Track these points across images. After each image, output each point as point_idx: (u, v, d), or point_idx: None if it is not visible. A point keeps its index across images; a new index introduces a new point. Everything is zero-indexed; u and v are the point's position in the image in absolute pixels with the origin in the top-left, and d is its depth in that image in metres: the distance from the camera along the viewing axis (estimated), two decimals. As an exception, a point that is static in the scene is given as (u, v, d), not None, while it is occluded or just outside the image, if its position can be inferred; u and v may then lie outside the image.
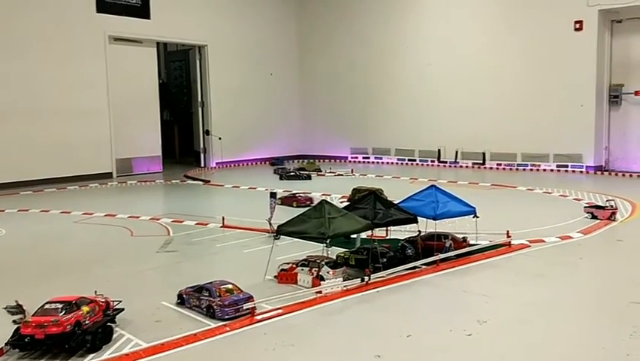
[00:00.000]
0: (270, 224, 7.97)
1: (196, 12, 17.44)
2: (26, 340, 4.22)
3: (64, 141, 14.74)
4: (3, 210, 10.88)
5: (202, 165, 18.44)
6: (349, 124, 19.44)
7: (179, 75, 20.67)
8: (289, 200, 10.65)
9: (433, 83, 17.57)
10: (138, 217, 9.92)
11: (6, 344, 4.32)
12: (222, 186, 13.98)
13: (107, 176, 15.59)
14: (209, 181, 14.76)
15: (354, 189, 10.30)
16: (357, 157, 19.28)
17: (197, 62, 18.35)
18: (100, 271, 6.78)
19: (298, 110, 20.70)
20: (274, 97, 19.85)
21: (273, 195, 8.30)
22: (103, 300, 4.80)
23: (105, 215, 10.21)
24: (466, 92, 16.87)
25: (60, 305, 4.40)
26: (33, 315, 4.38)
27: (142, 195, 13.24)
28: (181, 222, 9.42)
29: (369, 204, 6.43)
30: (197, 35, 17.68)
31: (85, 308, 4.49)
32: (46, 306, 4.43)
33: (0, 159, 13.64)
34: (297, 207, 10.10)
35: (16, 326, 4.45)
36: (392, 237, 7.58)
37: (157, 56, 17.53)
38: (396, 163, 18.23)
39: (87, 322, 4.43)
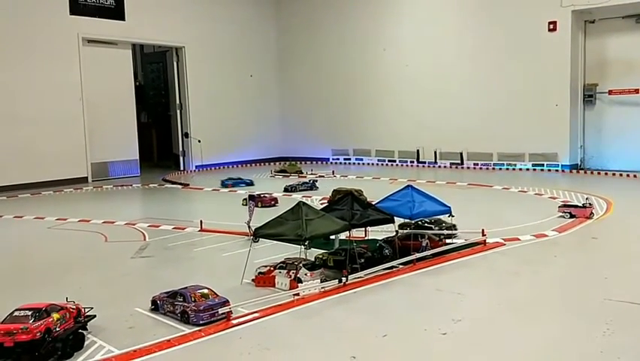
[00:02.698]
0: (249, 227, 7.90)
1: (172, 13, 17.28)
2: (-5, 348, 4.11)
3: (39, 145, 14.50)
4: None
5: (181, 168, 18.27)
6: (330, 126, 19.45)
7: (157, 77, 20.45)
8: (255, 200, 10.56)
9: (412, 85, 17.67)
10: (113, 222, 9.76)
11: (-27, 354, 4.20)
12: (202, 189, 13.87)
13: (83, 180, 15.36)
14: (188, 185, 14.61)
15: (334, 191, 10.28)
16: (338, 158, 19.29)
17: (175, 63, 18.19)
18: (73, 278, 6.64)
19: (279, 112, 20.65)
20: (254, 99, 19.78)
21: (252, 197, 8.25)
22: (74, 307, 4.70)
23: (79, 220, 10.03)
24: (444, 93, 17.00)
25: (30, 312, 4.29)
26: (2, 322, 4.27)
27: (118, 200, 13.05)
28: (158, 226, 9.29)
29: (346, 205, 6.42)
30: (174, 37, 17.52)
31: (55, 315, 4.38)
32: (16, 313, 4.33)
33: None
34: (262, 207, 9.97)
35: (-17, 335, 4.30)
36: (370, 237, 7.58)
37: (133, 57, 17.33)
38: (377, 164, 18.29)
39: (58, 329, 4.33)
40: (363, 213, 6.43)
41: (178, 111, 18.48)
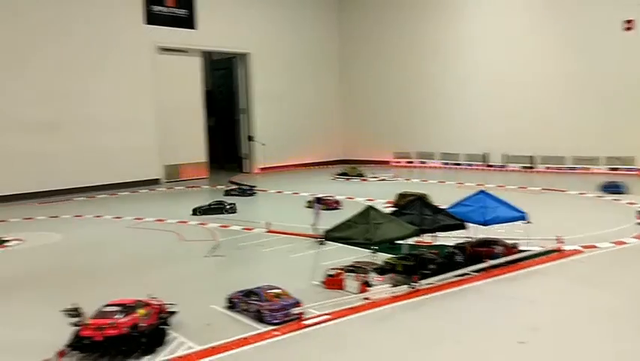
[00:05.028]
0: (315, 230, 8.02)
1: (239, 22, 17.77)
2: (86, 342, 4.37)
3: (115, 148, 15.23)
4: (58, 216, 11.30)
5: (245, 170, 18.71)
6: (392, 128, 19.36)
7: (223, 83, 21.00)
8: (320, 203, 10.67)
9: (479, 86, 17.33)
10: (186, 222, 10.14)
11: (67, 346, 4.49)
12: (266, 191, 14.14)
13: (155, 182, 16.00)
14: (253, 186, 14.91)
15: (399, 194, 10.24)
16: (400, 161, 19.16)
17: (240, 69, 18.67)
18: (152, 275, 6.98)
19: (339, 115, 20.76)
20: (314, 102, 20.01)
21: (318, 200, 8.36)
22: (157, 303, 4.93)
23: (155, 220, 10.48)
24: (514, 94, 16.57)
25: (117, 308, 4.55)
26: (92, 318, 4.53)
27: (189, 201, 13.46)
28: (227, 227, 9.57)
29: (416, 209, 6.39)
30: (241, 44, 18.02)
31: (140, 311, 4.62)
32: (104, 309, 4.59)
33: (56, 167, 14.18)
34: (325, 210, 9.95)
35: (76, 328, 4.59)
36: (439, 243, 7.49)
37: (202, 64, 17.88)
38: (441, 167, 18.02)
39: (143, 324, 4.55)
40: (434, 219, 6.37)
41: (243, 116, 18.95)
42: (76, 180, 14.39)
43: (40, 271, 7.47)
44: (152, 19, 15.82)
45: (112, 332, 4.36)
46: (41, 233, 9.71)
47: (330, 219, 7.96)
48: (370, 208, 6.16)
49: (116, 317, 4.46)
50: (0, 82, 13.39)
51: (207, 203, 11.07)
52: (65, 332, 4.86)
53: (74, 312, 5.42)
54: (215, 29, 17.11)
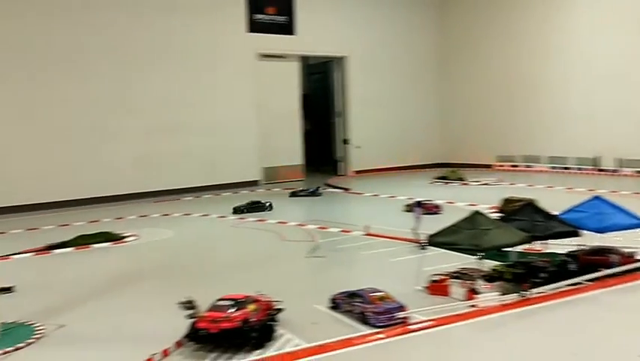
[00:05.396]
0: (416, 234, 7.93)
1: (337, 25, 17.98)
2: (202, 333, 4.61)
3: (219, 151, 15.95)
4: (169, 214, 12.01)
5: (340, 173, 18.87)
6: (494, 130, 18.71)
7: (319, 86, 21.33)
8: (420, 207, 10.53)
9: (588, 85, 16.32)
10: (286, 223, 10.40)
11: (184, 337, 4.76)
12: (362, 194, 14.17)
13: (255, 183, 16.55)
14: (349, 189, 15.02)
15: (504, 199, 9.88)
16: (503, 165, 18.45)
17: (337, 73, 18.88)
18: (256, 273, 7.23)
19: (438, 117, 20.35)
20: (412, 104, 19.77)
21: (418, 204, 8.26)
22: (265, 299, 5.09)
23: (256, 220, 10.85)
24: (626, 93, 15.43)
25: (230, 302, 4.75)
26: (207, 310, 4.77)
27: (286, 202, 13.84)
28: (325, 228, 9.70)
29: (526, 215, 6.13)
30: (338, 48, 18.23)
31: (251, 306, 4.80)
32: (218, 303, 4.81)
33: (167, 169, 15.10)
34: (424, 214, 9.61)
35: (191, 320, 4.85)
36: (550, 251, 7.13)
37: (300, 69, 18.26)
38: (548, 171, 17.13)
39: (253, 319, 4.72)
40: (546, 225, 6.09)
41: (338, 119, 19.14)
42: (184, 181, 15.22)
43: (155, 266, 7.98)
44: (254, 27, 16.41)
45: (226, 325, 4.55)
46: (155, 230, 10.36)
47: (430, 224, 7.85)
48: (478, 213, 5.99)
49: (229, 311, 4.65)
50: (121, 91, 14.43)
51: (245, 202, 11.92)
52: (180, 323, 5.15)
53: (189, 305, 5.74)
54: (313, 34, 17.44)
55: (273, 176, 17.22)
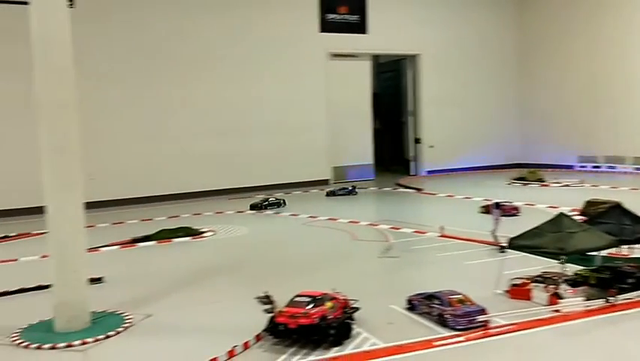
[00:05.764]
0: (495, 236, 7.73)
1: (410, 23, 17.74)
2: (281, 328, 4.70)
3: (290, 150, 16.17)
4: (244, 211, 12.32)
5: (412, 173, 18.64)
6: (575, 130, 17.84)
7: (390, 85, 21.16)
8: (499, 209, 10.26)
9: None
10: (357, 222, 10.41)
11: (263, 331, 4.88)
12: (435, 194, 13.93)
13: (325, 183, 16.66)
14: (421, 189, 14.82)
15: (587, 202, 9.43)
16: (585, 166, 17.56)
17: (409, 71, 18.66)
18: (330, 271, 7.29)
19: (516, 116, 19.65)
20: (488, 103, 19.20)
21: (496, 205, 8.04)
22: (342, 298, 5.13)
23: (327, 219, 10.93)
24: None
25: (308, 299, 4.83)
26: (285, 306, 4.86)
27: (357, 201, 13.85)
28: (398, 229, 9.63)
29: (613, 218, 5.84)
30: (411, 46, 18.00)
31: (328, 304, 4.85)
32: (296, 299, 4.90)
33: (239, 167, 15.49)
34: (502, 216, 9.47)
35: (270, 315, 4.97)
36: (637, 255, 6.74)
37: (371, 68, 18.18)
38: (634, 173, 16.14)
39: (330, 317, 4.77)
40: (634, 229, 5.77)
41: (410, 118, 18.91)
42: (256, 179, 15.55)
43: (232, 261, 8.21)
44: (326, 27, 16.53)
45: (304, 321, 4.63)
46: (230, 226, 10.65)
47: (508, 226, 7.65)
48: (563, 215, 5.77)
49: (307, 307, 4.72)
50: (193, 91, 14.95)
51: (260, 200, 12.59)
52: (258, 317, 5.29)
53: (266, 299, 5.90)
54: (384, 33, 17.33)
55: (342, 175, 17.26)
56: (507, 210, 10.08)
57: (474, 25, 18.79)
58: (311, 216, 11.26)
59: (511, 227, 7.50)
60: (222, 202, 13.82)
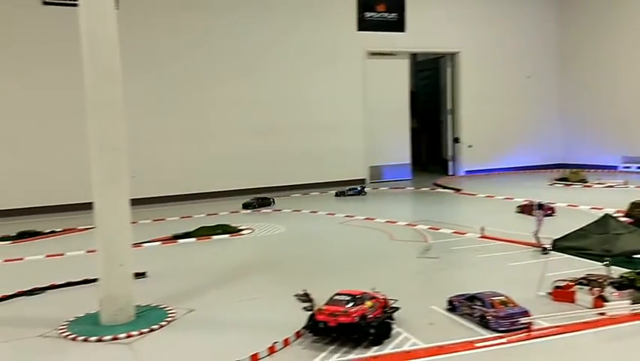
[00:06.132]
0: (537, 238, 7.58)
1: (449, 20, 17.53)
2: (320, 326, 4.72)
3: (327, 149, 16.21)
4: (281, 210, 12.42)
5: (450, 173, 18.42)
6: (620, 130, 17.28)
7: (428, 84, 20.96)
8: (529, 208, 10.34)
9: None
10: (395, 222, 10.35)
11: (303, 328, 4.91)
12: (474, 195, 13.72)
13: (361, 182, 16.58)
14: (460, 190, 14.63)
15: (632, 203, 9.12)
16: (629, 167, 17.01)
17: (448, 69, 18.44)
18: (368, 270, 7.27)
19: (557, 116, 19.19)
20: (529, 102, 18.80)
21: (540, 206, 7.88)
22: (382, 297, 5.12)
23: (364, 218, 10.90)
24: None
25: (347, 298, 4.83)
26: (325, 304, 4.88)
27: (394, 201, 13.80)
28: (437, 229, 9.53)
29: (664, 220, 5.65)
30: (450, 43, 17.79)
31: (368, 303, 4.85)
32: (335, 297, 4.91)
33: (275, 167, 15.60)
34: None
35: (310, 312, 4.99)
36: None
37: (409, 66, 18.04)
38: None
39: (370, 316, 4.76)
40: (685, 232, 5.57)
41: (449, 117, 18.69)
42: (292, 178, 15.64)
43: (270, 258, 8.29)
44: (364, 25, 16.49)
45: (344, 319, 4.63)
46: (267, 224, 10.75)
47: (546, 227, 7.50)
48: (609, 216, 5.62)
49: (347, 306, 4.73)
50: (233, 91, 15.13)
51: (251, 199, 12.89)
52: (297, 314, 5.33)
53: (305, 297, 5.94)
54: (423, 30, 17.18)
55: (378, 175, 17.20)
56: (544, 210, 9.83)
57: (515, 22, 18.44)
58: (347, 216, 11.26)
59: (549, 228, 7.36)
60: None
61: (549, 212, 10.04)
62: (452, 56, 18.14)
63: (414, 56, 19.76)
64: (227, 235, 9.82)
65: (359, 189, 14.42)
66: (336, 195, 14.30)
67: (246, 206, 12.61)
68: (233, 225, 10.36)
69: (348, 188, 14.50)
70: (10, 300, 6.37)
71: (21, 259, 8.48)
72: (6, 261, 8.37)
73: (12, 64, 12.89)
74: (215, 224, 10.34)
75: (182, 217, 11.91)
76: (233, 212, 12.31)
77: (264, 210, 12.54)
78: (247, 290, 6.60)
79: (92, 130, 5.34)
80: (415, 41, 17.18)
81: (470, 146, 18.02)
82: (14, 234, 10.25)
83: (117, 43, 5.34)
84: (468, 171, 18.17)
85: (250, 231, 10.14)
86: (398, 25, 16.89)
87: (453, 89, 18.37)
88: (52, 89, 13.12)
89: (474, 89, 18.04)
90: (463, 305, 5.28)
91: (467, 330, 4.98)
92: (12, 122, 12.95)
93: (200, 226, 10.11)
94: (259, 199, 12.93)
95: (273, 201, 13.06)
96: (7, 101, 12.92)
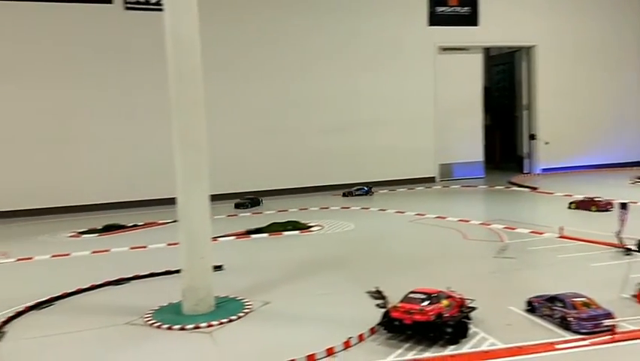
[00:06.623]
0: (620, 238, 7.21)
1: (524, 13, 16.92)
2: (395, 323, 4.73)
3: (395, 146, 16.06)
4: (349, 207, 12.46)
5: (525, 170, 17.80)
6: None
7: (502, 79, 20.36)
8: (586, 204, 10.57)
9: None
10: (468, 221, 10.13)
11: (378, 325, 4.93)
12: (552, 194, 13.20)
13: (430, 180, 16.38)
14: (536, 188, 14.12)
15: None
16: None
17: (524, 63, 17.82)
18: (440, 269, 7.16)
19: (638, 111, 18.10)
20: (609, 97, 17.84)
21: (623, 206, 7.47)
22: (458, 296, 5.05)
23: (435, 217, 10.74)
24: None
25: (423, 296, 4.80)
26: (400, 302, 4.87)
27: (467, 200, 13.52)
28: (513, 229, 9.25)
29: None
30: (525, 37, 17.17)
31: (444, 302, 4.80)
32: (410, 295, 4.89)
33: (344, 164, 15.59)
34: (596, 211, 10.23)
35: (384, 310, 5.00)
36: None
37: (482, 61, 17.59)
38: None
39: (447, 315, 4.71)
40: None
41: (524, 112, 18.06)
42: (360, 176, 15.53)
43: (340, 256, 8.33)
44: (435, 20, 16.23)
45: (420, 317, 4.61)
46: (337, 221, 10.82)
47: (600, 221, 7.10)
48: None
49: (422, 304, 4.70)
50: (303, 92, 15.28)
51: (242, 199, 12.99)
52: (368, 310, 5.36)
53: (377, 295, 5.95)
54: (497, 24, 16.69)
55: (449, 173, 16.86)
56: (601, 206, 10.26)
57: (594, 14, 17.53)
58: (418, 214, 11.13)
59: (632, 228, 6.99)
60: (327, 198, 14.03)
61: (607, 207, 10.25)
62: (528, 49, 17.50)
63: (487, 51, 19.25)
64: (297, 232, 9.97)
65: (366, 189, 14.32)
66: (344, 195, 14.19)
67: (238, 206, 12.78)
68: (303, 222, 10.50)
69: (355, 188, 14.37)
70: (98, 289, 6.77)
71: (107, 250, 8.99)
72: (94, 252, 8.90)
73: (96, 68, 13.61)
74: (286, 220, 10.54)
75: (254, 213, 12.20)
76: (302, 209, 12.45)
77: (333, 207, 12.60)
78: (319, 285, 6.69)
79: (175, 129, 5.58)
80: (489, 35, 16.72)
81: (547, 143, 17.32)
82: (100, 227, 10.86)
83: (199, 44, 5.56)
84: (544, 169, 17.48)
85: (320, 228, 10.25)
86: (471, 19, 16.48)
87: (529, 83, 17.72)
88: (133, 91, 13.78)
89: (551, 83, 17.32)
90: (543, 306, 5.13)
91: (547, 331, 4.84)
92: (97, 122, 13.70)
93: (271, 223, 10.33)
94: (251, 199, 13.07)
95: (261, 201, 13.21)
96: (91, 102, 13.67)
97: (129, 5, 13.60)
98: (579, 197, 11.17)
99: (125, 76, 13.77)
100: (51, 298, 6.30)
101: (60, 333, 5.36)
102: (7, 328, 5.45)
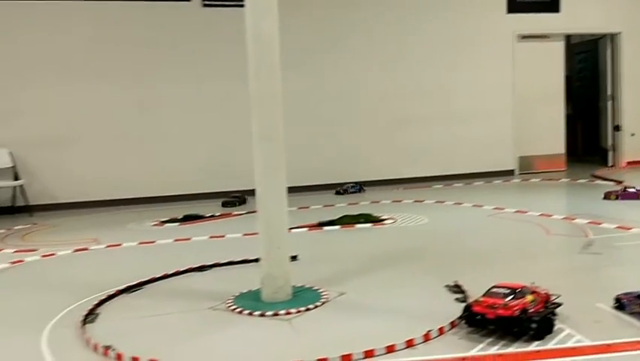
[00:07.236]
0: None
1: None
2: (477, 318, 4.63)
3: (472, 139, 15.70)
4: (423, 201, 12.31)
5: (610, 164, 16.88)
6: None
7: (584, 67, 19.38)
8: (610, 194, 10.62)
9: None
10: (550, 216, 9.75)
11: (459, 318, 4.85)
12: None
13: (509, 173, 15.89)
14: (621, 182, 13.36)
15: None
16: None
17: (608, 51, 16.86)
18: (522, 265, 6.95)
19: None
20: None
21: None
22: (543, 292, 4.88)
23: (515, 211, 10.40)
24: None
25: (507, 291, 4.67)
26: (483, 296, 4.76)
27: (548, 194, 13.01)
28: (599, 224, 8.81)
29: None
30: (610, 24, 16.29)
31: (529, 297, 4.65)
32: (493, 290, 4.77)
33: (417, 157, 15.45)
34: (616, 199, 10.48)
35: (465, 304, 4.92)
36: None
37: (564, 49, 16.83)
38: None
39: (531, 310, 4.57)
40: None
41: (608, 103, 17.10)
42: (433, 169, 15.37)
43: (415, 248, 8.25)
44: (514, 7, 15.67)
45: (503, 312, 4.49)
46: (409, 215, 10.72)
47: None
48: None
49: (506, 298, 4.58)
50: (374, 81, 15.17)
51: (230, 197, 12.73)
52: (447, 304, 5.30)
53: (456, 289, 5.86)
54: (579, 10, 15.92)
55: (529, 166, 16.29)
56: (630, 196, 10.23)
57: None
58: (496, 208, 10.83)
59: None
60: (399, 191, 13.92)
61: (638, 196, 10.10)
62: (612, 37, 16.55)
63: (568, 38, 18.34)
64: (369, 224, 9.96)
65: (359, 187, 14.10)
66: (337, 193, 13.90)
67: (225, 204, 12.63)
68: (375, 214, 10.47)
69: (351, 185, 14.09)
70: (182, 275, 7.08)
71: (188, 239, 9.37)
72: (176, 240, 9.31)
73: (179, 64, 14.13)
74: (358, 213, 10.55)
75: (325, 206, 12.30)
76: (373, 202, 12.43)
77: (405, 200, 12.49)
78: (393, 278, 6.66)
79: (254, 122, 5.72)
80: (571, 22, 15.97)
81: (633, 134, 16.38)
82: (181, 217, 11.33)
83: (278, 40, 5.66)
84: (630, 162, 16.50)
85: (392, 221, 10.19)
86: (552, 6, 15.79)
87: (613, 72, 16.77)
88: (210, 86, 14.20)
89: (637, 72, 16.34)
90: (633, 303, 4.88)
91: (638, 330, 4.58)
92: (177, 117, 14.24)
93: (343, 215, 10.39)
94: (238, 197, 12.83)
95: (246, 200, 12.80)
96: (172, 99, 14.21)
97: (207, 3, 14.03)
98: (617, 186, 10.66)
99: (202, 72, 14.21)
100: (140, 282, 6.66)
101: (149, 315, 5.65)
102: (100, 310, 5.81)
